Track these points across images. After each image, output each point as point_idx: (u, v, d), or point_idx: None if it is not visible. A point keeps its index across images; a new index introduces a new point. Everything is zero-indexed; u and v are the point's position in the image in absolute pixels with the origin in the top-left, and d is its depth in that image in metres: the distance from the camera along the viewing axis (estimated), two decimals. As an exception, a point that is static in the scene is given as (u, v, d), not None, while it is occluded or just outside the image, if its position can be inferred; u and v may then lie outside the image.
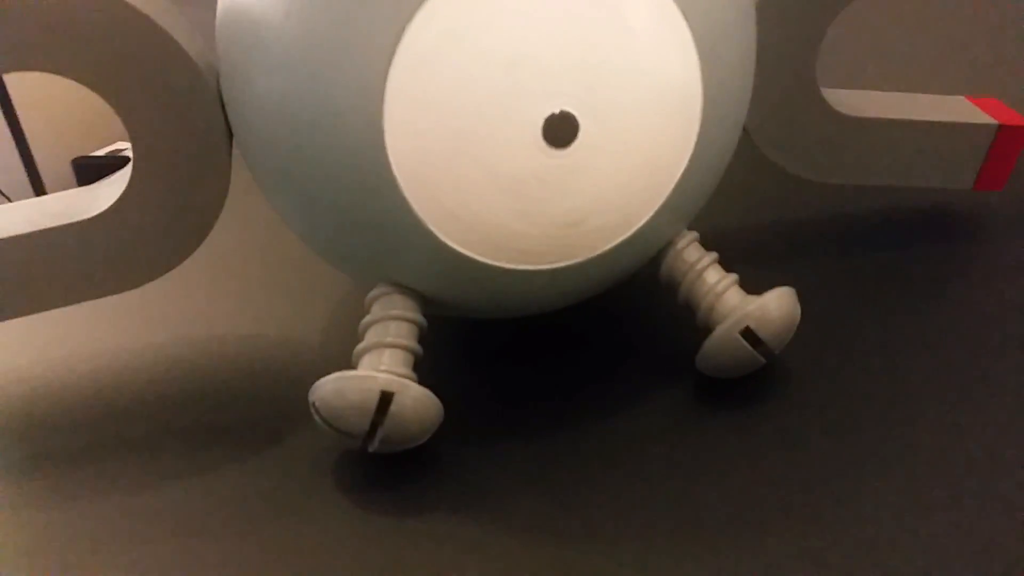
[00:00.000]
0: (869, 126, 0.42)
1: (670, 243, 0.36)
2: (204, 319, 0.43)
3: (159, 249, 0.36)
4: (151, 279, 0.37)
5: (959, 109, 0.44)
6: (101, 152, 1.78)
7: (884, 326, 0.38)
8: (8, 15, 0.31)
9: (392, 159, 0.29)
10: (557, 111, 0.28)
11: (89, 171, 1.71)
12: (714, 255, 0.36)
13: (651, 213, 0.32)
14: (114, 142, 1.91)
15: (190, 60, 0.33)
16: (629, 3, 0.28)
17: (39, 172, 1.43)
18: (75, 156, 1.75)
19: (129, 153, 1.84)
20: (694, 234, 0.36)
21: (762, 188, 0.53)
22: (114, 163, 1.72)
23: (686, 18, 0.29)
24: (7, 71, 0.32)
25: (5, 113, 1.37)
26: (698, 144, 0.32)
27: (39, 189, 1.43)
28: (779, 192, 0.52)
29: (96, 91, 0.33)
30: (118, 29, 0.32)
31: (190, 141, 0.34)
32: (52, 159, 1.82)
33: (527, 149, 0.28)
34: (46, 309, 0.36)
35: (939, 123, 0.43)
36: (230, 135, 0.34)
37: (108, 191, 0.36)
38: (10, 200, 1.52)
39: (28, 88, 1.75)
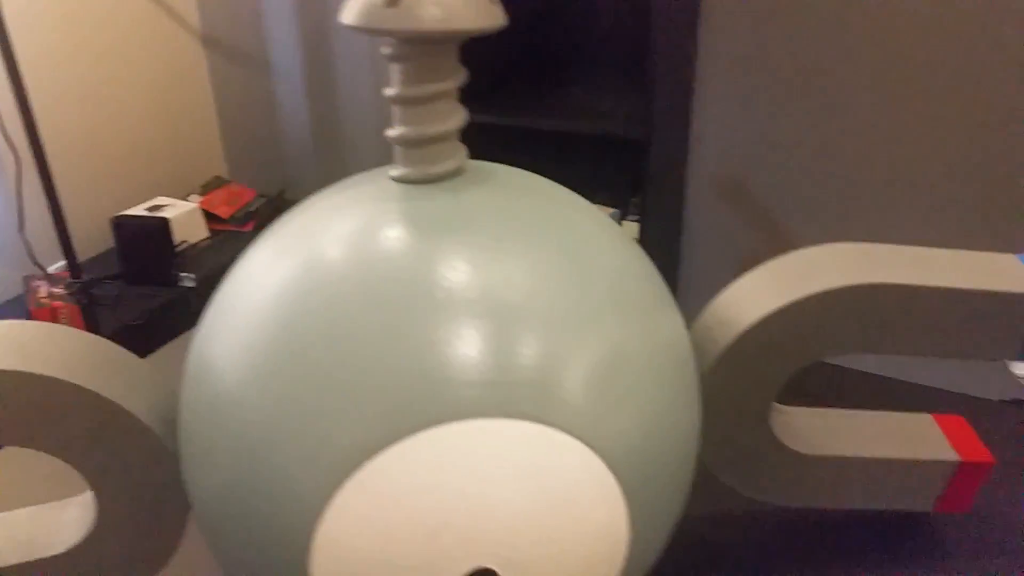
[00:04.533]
0: (823, 462, 0.42)
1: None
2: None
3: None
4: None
5: (922, 437, 0.44)
6: (139, 210, 1.82)
7: None
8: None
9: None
10: (477, 568, 0.29)
11: (127, 229, 1.76)
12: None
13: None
14: (152, 197, 1.96)
15: (150, 431, 0.35)
16: (556, 468, 0.29)
17: (69, 233, 1.47)
18: (114, 214, 1.80)
19: (168, 211, 1.87)
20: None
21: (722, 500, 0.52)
22: (153, 223, 1.76)
23: (612, 471, 0.30)
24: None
25: (41, 176, 1.42)
26: (626, 566, 0.33)
27: (69, 250, 1.47)
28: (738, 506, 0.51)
29: (63, 459, 0.35)
30: (81, 409, 0.34)
31: (149, 495, 0.36)
32: (88, 219, 1.87)
33: (448, 598, 0.30)
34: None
35: (896, 460, 0.43)
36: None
37: (70, 517, 0.38)
38: (44, 269, 1.57)
39: (63, 149, 1.81)
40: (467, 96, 1.78)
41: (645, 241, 1.56)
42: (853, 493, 0.44)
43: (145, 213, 1.84)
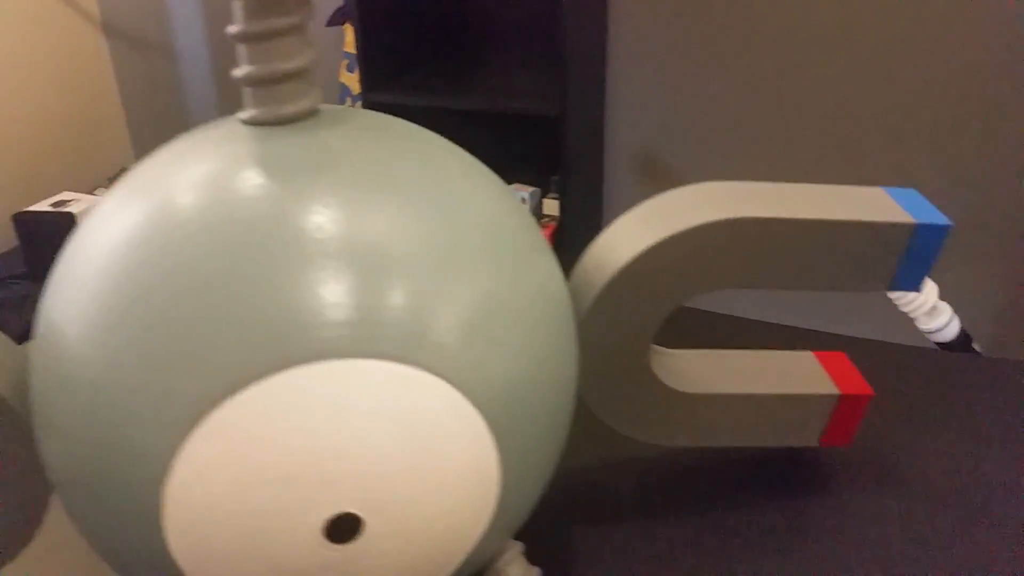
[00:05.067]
0: (705, 400, 0.43)
1: (493, 557, 0.36)
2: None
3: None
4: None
5: (802, 373, 0.45)
6: (43, 206, 1.75)
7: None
8: None
9: (175, 553, 0.29)
10: (338, 513, 0.29)
11: (31, 226, 1.68)
12: (536, 572, 0.36)
13: (450, 570, 0.33)
14: (57, 192, 1.88)
15: (4, 403, 0.33)
16: (420, 409, 0.29)
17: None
18: (16, 211, 1.72)
19: (74, 206, 1.79)
20: (518, 547, 0.37)
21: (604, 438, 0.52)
22: (58, 219, 1.69)
23: (481, 411, 0.30)
24: None
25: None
26: (499, 509, 0.32)
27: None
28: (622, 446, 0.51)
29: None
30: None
31: (7, 473, 0.34)
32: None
33: (309, 546, 0.29)
34: None
35: (777, 395, 0.43)
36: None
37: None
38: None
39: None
40: (377, 77, 1.74)
41: (566, 218, 1.57)
42: (737, 431, 0.44)
43: (49, 209, 1.76)
